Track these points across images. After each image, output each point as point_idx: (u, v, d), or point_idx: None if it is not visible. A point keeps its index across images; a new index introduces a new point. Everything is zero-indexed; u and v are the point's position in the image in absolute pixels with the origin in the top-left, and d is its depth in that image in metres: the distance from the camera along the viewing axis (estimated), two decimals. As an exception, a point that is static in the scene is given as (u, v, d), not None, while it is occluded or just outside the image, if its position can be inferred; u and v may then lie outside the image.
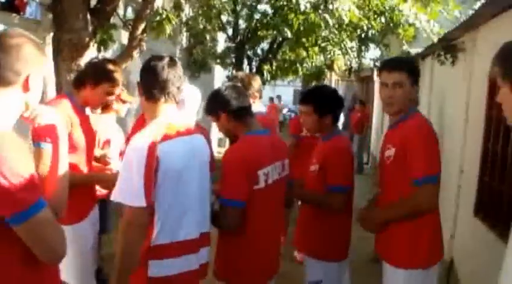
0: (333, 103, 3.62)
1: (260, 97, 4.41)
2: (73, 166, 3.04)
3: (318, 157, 3.55)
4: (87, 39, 5.13)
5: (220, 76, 16.23)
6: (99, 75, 3.30)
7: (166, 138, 2.50)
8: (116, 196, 2.41)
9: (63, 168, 2.07)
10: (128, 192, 2.39)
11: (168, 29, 6.11)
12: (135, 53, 5.51)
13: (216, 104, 3.05)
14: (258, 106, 4.24)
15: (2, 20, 8.84)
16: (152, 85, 2.62)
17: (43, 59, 1.97)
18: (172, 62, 2.66)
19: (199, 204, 2.68)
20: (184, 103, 3.46)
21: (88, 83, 3.29)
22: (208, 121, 4.08)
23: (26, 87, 1.91)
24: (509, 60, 1.94)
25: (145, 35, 5.60)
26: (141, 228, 2.43)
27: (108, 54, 8.14)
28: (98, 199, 3.60)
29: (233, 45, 12.98)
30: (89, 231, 3.27)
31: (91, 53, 5.18)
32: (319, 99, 3.57)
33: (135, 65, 8.52)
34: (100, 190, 3.68)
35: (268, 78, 12.93)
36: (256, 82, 4.39)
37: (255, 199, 2.87)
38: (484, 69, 4.83)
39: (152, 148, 2.42)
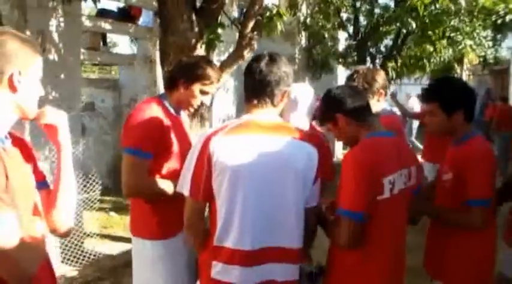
0: (463, 96, 3.12)
1: (385, 94, 4.07)
2: (169, 174, 2.98)
3: (452, 164, 3.09)
4: (193, 40, 4.96)
5: (342, 76, 15.79)
6: (191, 73, 3.08)
7: (230, 132, 2.42)
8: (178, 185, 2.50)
9: (66, 176, 2.10)
10: (181, 180, 2.46)
11: (280, 25, 5.76)
12: (246, 53, 5.23)
13: (330, 106, 2.83)
14: (383, 105, 3.98)
15: (118, 29, 9.05)
16: (246, 86, 2.56)
17: (33, 58, 1.92)
18: (271, 61, 2.52)
19: (275, 214, 2.48)
20: (297, 104, 3.36)
21: (181, 83, 3.09)
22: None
23: (12, 87, 1.87)
24: None
25: (255, 33, 5.32)
26: (191, 221, 2.48)
27: (218, 55, 8.46)
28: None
29: (354, 42, 12.55)
30: (182, 247, 3.04)
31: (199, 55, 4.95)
32: (445, 93, 3.11)
33: None
34: None
35: (394, 76, 12.28)
36: (381, 77, 4.03)
37: (377, 212, 2.62)
38: None
39: (208, 140, 2.39)
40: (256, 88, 2.51)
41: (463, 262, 3.05)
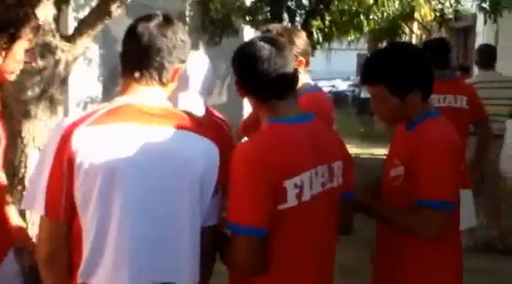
0: (418, 70, 3.24)
1: (307, 63, 4.11)
2: None
3: (402, 155, 3.26)
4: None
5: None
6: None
7: (99, 121, 2.41)
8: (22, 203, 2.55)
9: None
10: (28, 195, 2.48)
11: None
12: (115, 8, 5.08)
13: (238, 66, 2.91)
14: (304, 78, 4.01)
15: None
16: (126, 54, 2.62)
17: None
18: (166, 23, 2.60)
19: (164, 237, 2.46)
20: (187, 80, 3.28)
21: None
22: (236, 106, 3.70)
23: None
24: None
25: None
26: (50, 252, 2.41)
27: (76, 11, 8.33)
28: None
29: (267, -6, 12.92)
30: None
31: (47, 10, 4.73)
32: (393, 70, 3.19)
33: (125, 27, 8.25)
34: None
35: (320, 39, 12.37)
36: (301, 39, 4.09)
37: (282, 225, 2.67)
38: None
39: (68, 134, 2.37)
40: (140, 57, 2.56)
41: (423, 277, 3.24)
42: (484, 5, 10.68)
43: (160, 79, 2.58)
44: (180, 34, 2.62)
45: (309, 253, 2.82)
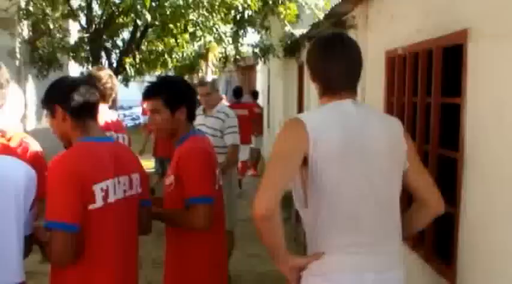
0: (185, 92, 3.63)
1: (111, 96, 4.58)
2: None
3: (172, 166, 3.52)
4: None
5: (74, 73, 15.87)
6: None
7: None
8: None
9: None
10: None
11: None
12: None
13: (53, 95, 2.97)
14: (105, 110, 4.37)
15: None
16: None
17: None
18: None
19: None
20: (5, 111, 3.32)
21: None
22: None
23: None
24: None
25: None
26: None
27: None
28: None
29: (87, 35, 12.79)
30: None
31: None
32: (168, 88, 3.56)
33: None
34: None
35: (132, 74, 12.84)
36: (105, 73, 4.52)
37: (91, 222, 2.81)
38: (379, 46, 5.01)
39: None
40: None
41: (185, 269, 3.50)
42: (256, 50, 12.20)
43: None
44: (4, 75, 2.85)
45: (115, 248, 2.94)
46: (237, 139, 6.25)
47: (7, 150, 2.88)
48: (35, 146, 3.39)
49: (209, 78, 7.72)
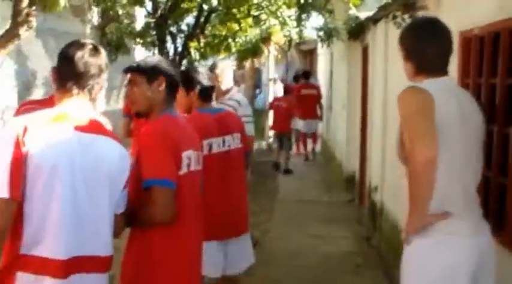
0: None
1: None
2: None
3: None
4: None
5: (141, 58, 15.82)
6: None
7: (47, 123, 2.58)
8: None
9: None
10: None
11: (63, 0, 5.79)
12: (23, 31, 5.34)
13: (163, 67, 3.28)
14: None
15: None
16: (66, 75, 2.73)
17: None
18: (94, 51, 2.77)
19: (91, 219, 2.65)
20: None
21: None
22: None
23: None
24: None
25: (33, 8, 5.43)
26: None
27: None
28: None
29: (153, 20, 12.79)
30: None
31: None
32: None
33: (35, 47, 8.11)
34: None
35: (197, 58, 12.92)
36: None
37: (179, 188, 2.93)
38: (452, 26, 4.81)
39: (23, 132, 2.47)
40: (77, 79, 2.71)
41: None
42: (320, 33, 12.13)
43: (90, 95, 2.77)
44: (104, 59, 2.81)
45: (193, 214, 3.09)
46: (252, 129, 5.96)
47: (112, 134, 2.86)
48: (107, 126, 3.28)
49: (271, 63, 7.68)
